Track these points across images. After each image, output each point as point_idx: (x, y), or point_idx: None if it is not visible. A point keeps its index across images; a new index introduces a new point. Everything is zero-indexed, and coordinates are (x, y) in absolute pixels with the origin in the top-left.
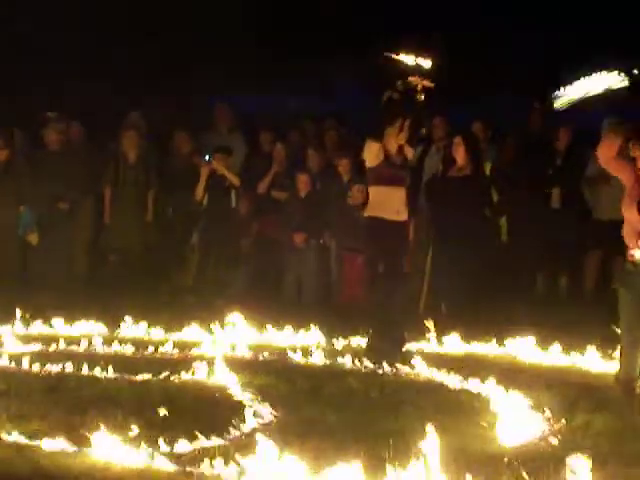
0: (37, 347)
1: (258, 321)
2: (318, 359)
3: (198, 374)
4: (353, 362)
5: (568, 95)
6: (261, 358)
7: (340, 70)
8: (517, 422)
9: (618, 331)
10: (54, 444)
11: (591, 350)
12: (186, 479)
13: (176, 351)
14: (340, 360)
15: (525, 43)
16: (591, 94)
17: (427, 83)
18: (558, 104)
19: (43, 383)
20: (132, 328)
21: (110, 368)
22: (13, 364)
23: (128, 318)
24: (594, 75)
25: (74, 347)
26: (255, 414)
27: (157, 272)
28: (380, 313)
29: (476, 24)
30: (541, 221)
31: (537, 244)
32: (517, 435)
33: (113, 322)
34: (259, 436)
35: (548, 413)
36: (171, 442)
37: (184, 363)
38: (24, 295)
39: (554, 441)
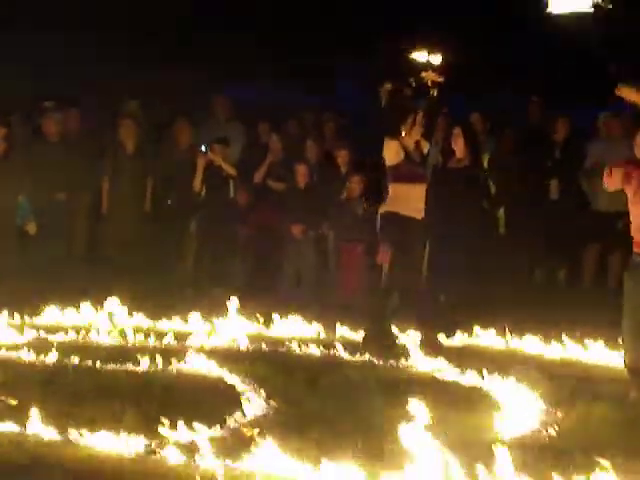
0: (34, 337)
1: (256, 312)
2: (316, 350)
3: (196, 365)
4: (351, 353)
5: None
6: (259, 349)
7: (340, 65)
8: (516, 413)
9: None
10: (51, 434)
11: (590, 341)
12: (184, 470)
13: (174, 341)
14: (338, 351)
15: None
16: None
17: (438, 78)
18: (554, 9)
19: (40, 373)
20: (129, 318)
21: (107, 358)
22: (9, 354)
23: (125, 308)
24: None
25: (71, 337)
26: (253, 405)
27: (155, 262)
28: (380, 307)
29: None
30: (539, 213)
31: (535, 236)
32: (516, 426)
33: (110, 312)
34: (257, 427)
35: (547, 404)
36: (167, 432)
37: (182, 353)
38: (21, 285)
39: (553, 432)
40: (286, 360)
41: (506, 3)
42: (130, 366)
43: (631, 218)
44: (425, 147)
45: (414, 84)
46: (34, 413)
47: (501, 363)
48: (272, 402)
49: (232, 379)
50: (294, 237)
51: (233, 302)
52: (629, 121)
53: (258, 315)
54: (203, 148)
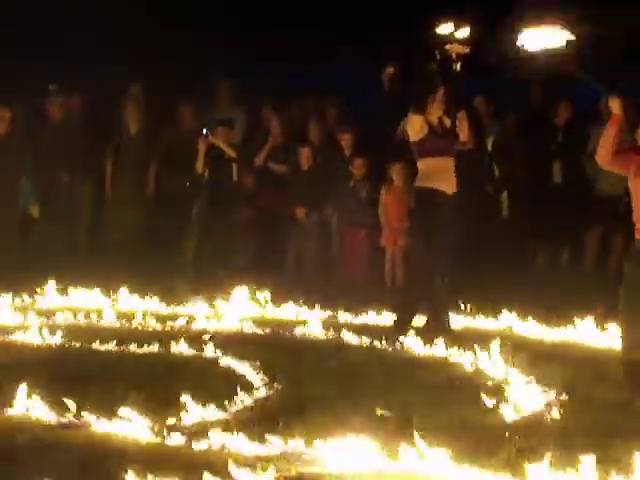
0: (37, 319)
1: (259, 295)
2: (319, 333)
3: (199, 348)
4: (354, 336)
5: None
6: (262, 332)
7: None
8: (517, 396)
9: None
10: (54, 416)
11: (592, 324)
12: (188, 452)
13: (177, 324)
14: (341, 334)
15: None
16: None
17: (464, 50)
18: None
19: (43, 355)
20: (132, 301)
21: (110, 341)
22: (13, 336)
23: (128, 291)
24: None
25: (74, 319)
26: (256, 388)
27: (158, 245)
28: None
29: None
30: (542, 196)
31: (538, 219)
32: (518, 409)
33: (113, 295)
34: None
35: (549, 387)
36: (172, 415)
37: (185, 337)
38: (25, 267)
39: (555, 415)
40: (289, 343)
41: None
42: (133, 349)
43: (632, 205)
44: (447, 123)
45: (439, 57)
46: (37, 396)
47: (503, 346)
48: (276, 385)
49: (235, 362)
50: (297, 220)
51: (236, 285)
52: (631, 106)
53: (261, 298)
54: (204, 131)
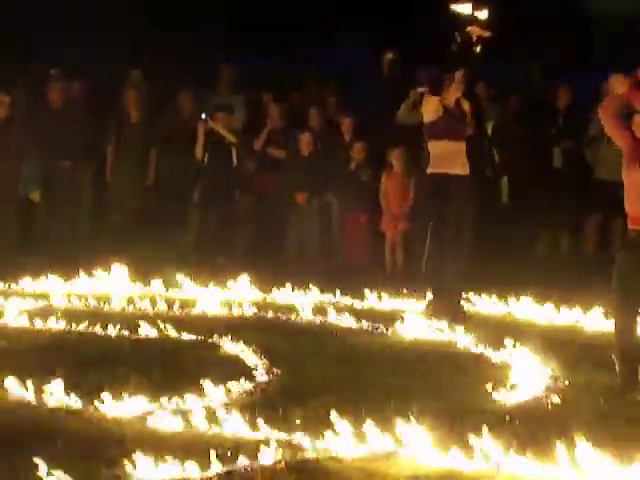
0: (39, 304)
1: (260, 280)
2: (320, 318)
3: (200, 332)
4: (354, 321)
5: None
6: (263, 317)
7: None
8: (518, 381)
9: None
10: (56, 400)
11: (592, 309)
12: (187, 436)
13: (178, 309)
14: (342, 319)
15: None
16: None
17: (485, 33)
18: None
19: (45, 340)
20: (133, 286)
21: (111, 326)
22: (15, 321)
23: (130, 276)
24: None
25: (76, 304)
26: (256, 372)
27: (159, 230)
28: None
29: None
30: (542, 182)
31: (538, 205)
32: (519, 394)
33: (114, 280)
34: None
35: (550, 372)
36: (173, 399)
37: (185, 321)
38: (26, 252)
39: (556, 400)
40: (289, 328)
41: None
42: (134, 334)
43: (624, 191)
44: (466, 106)
45: (459, 39)
46: (38, 381)
47: (504, 331)
48: (276, 370)
49: (236, 347)
50: (298, 205)
51: (236, 270)
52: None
53: (261, 283)
54: (203, 116)
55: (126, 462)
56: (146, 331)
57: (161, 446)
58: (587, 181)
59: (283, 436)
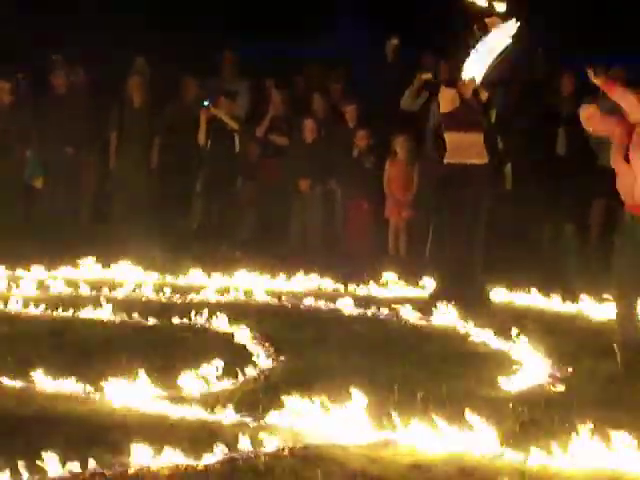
0: (41, 290)
1: (263, 266)
2: (323, 305)
3: (204, 319)
4: (358, 308)
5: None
6: (267, 304)
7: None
8: (522, 368)
9: None
10: (59, 388)
11: (597, 297)
12: (191, 423)
13: (181, 296)
14: (345, 306)
15: None
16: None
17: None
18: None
19: (48, 327)
20: (136, 272)
21: (114, 312)
22: (18, 308)
23: (133, 263)
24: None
25: (79, 291)
26: (261, 358)
27: (162, 217)
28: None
29: None
30: (546, 169)
31: (542, 192)
32: (523, 381)
33: (117, 266)
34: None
35: (554, 359)
36: (177, 386)
37: (190, 308)
38: (29, 239)
39: (559, 387)
40: (294, 315)
41: None
42: (137, 320)
43: (617, 177)
44: (483, 96)
45: (478, 33)
46: (42, 367)
47: (508, 318)
48: (280, 356)
49: (240, 334)
50: (301, 192)
51: (240, 258)
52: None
53: (265, 270)
54: (206, 102)
55: (128, 448)
56: (149, 318)
57: (163, 433)
58: (591, 168)
59: (286, 423)
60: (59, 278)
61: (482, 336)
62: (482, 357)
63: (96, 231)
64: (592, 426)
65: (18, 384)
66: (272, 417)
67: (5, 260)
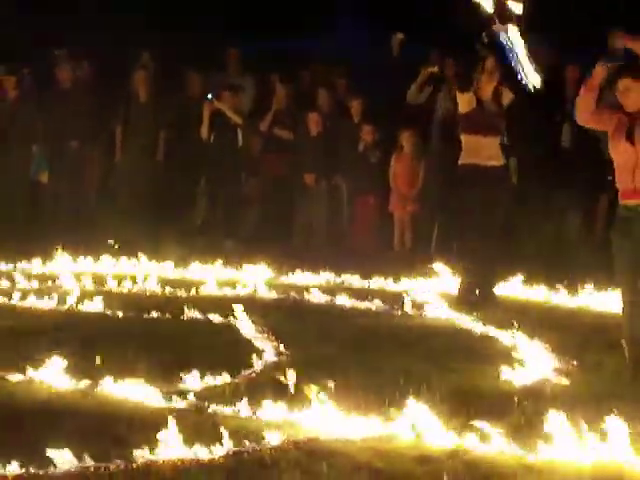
0: (46, 284)
1: (268, 261)
2: (328, 299)
3: (209, 313)
4: (363, 302)
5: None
6: (272, 298)
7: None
8: (527, 362)
9: None
10: (62, 381)
11: (602, 290)
12: (196, 417)
13: (186, 290)
14: (351, 300)
15: None
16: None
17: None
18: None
19: (51, 320)
20: (140, 266)
21: (119, 306)
22: (22, 301)
23: (138, 256)
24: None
25: (83, 284)
26: (266, 352)
27: (166, 211)
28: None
29: None
30: (552, 162)
31: (547, 185)
32: (527, 375)
33: (122, 260)
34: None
35: (558, 353)
36: (181, 380)
37: (194, 302)
38: (34, 233)
39: (565, 381)
40: (299, 309)
41: None
42: (142, 314)
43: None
44: (507, 97)
45: (486, 39)
46: (47, 360)
47: (512, 311)
48: (285, 350)
49: (245, 328)
50: (306, 187)
51: (244, 252)
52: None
53: (270, 264)
54: (209, 96)
55: (132, 442)
56: (154, 311)
57: (167, 426)
58: (596, 160)
59: (291, 416)
60: (65, 272)
61: (486, 330)
62: (486, 351)
63: (101, 224)
64: (597, 420)
65: (21, 378)
66: (277, 411)
67: (10, 254)
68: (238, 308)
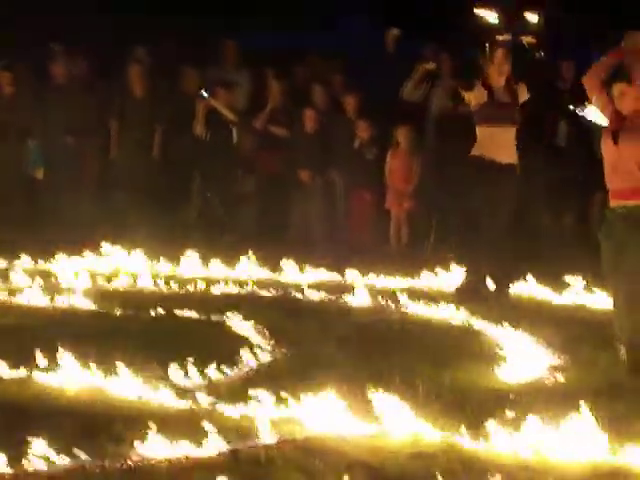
0: (43, 281)
1: (264, 258)
2: (324, 296)
3: (203, 310)
4: (360, 299)
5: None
6: (268, 295)
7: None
8: (522, 359)
9: None
10: (62, 378)
11: (596, 288)
12: (193, 414)
13: (182, 287)
14: (347, 297)
15: None
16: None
17: (529, 40)
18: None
19: (51, 318)
20: (138, 263)
21: (116, 303)
22: (19, 298)
23: (134, 253)
24: None
25: (81, 282)
26: (262, 350)
27: (162, 207)
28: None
29: None
30: (547, 159)
31: (543, 182)
32: (522, 372)
33: (118, 258)
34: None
35: (553, 350)
36: (178, 377)
37: (190, 299)
38: (30, 230)
39: (559, 378)
40: (295, 306)
41: None
42: (139, 312)
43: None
44: (523, 95)
45: (489, 50)
46: (42, 358)
47: (507, 308)
48: (281, 348)
49: (241, 325)
50: (302, 183)
51: (241, 249)
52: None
53: (266, 261)
54: (204, 93)
55: (131, 440)
56: (150, 309)
57: (165, 424)
58: (591, 159)
59: (288, 414)
60: (61, 269)
61: (482, 326)
62: (482, 347)
63: (97, 221)
64: (592, 417)
65: (16, 376)
66: (273, 408)
67: (7, 252)
68: (234, 305)
